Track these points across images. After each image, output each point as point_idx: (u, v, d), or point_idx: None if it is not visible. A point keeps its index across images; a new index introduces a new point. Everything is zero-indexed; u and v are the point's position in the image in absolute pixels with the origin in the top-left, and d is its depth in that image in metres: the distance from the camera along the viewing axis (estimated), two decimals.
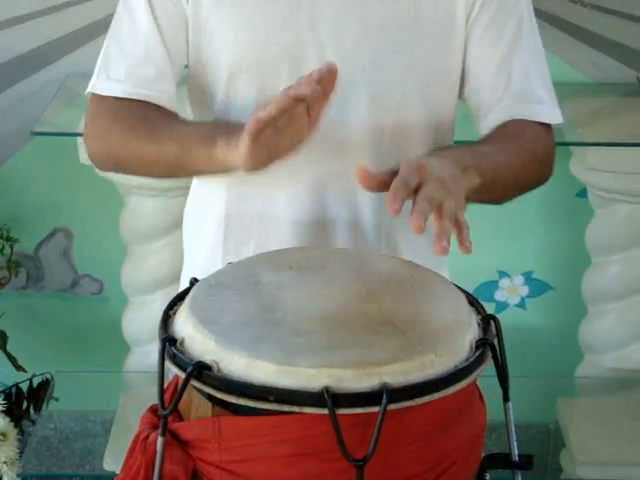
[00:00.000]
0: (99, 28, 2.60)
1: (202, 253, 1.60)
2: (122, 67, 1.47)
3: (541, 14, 2.68)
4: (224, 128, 1.37)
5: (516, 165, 1.43)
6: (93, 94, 1.50)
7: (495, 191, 1.40)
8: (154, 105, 1.47)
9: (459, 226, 1.19)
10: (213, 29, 1.46)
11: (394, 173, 1.21)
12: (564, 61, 2.74)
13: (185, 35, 1.48)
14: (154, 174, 1.50)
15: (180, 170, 1.43)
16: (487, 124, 1.50)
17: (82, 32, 2.63)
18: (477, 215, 2.76)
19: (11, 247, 2.66)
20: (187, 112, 1.58)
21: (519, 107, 1.48)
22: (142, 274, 2.71)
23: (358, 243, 1.52)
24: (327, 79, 1.24)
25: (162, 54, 1.47)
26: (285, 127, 1.27)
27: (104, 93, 1.48)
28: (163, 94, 1.48)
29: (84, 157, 2.44)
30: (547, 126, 1.51)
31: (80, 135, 2.37)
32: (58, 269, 2.91)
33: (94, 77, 1.50)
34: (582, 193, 2.79)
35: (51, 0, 2.64)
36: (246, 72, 1.46)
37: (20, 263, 2.76)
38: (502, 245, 2.88)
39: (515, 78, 1.49)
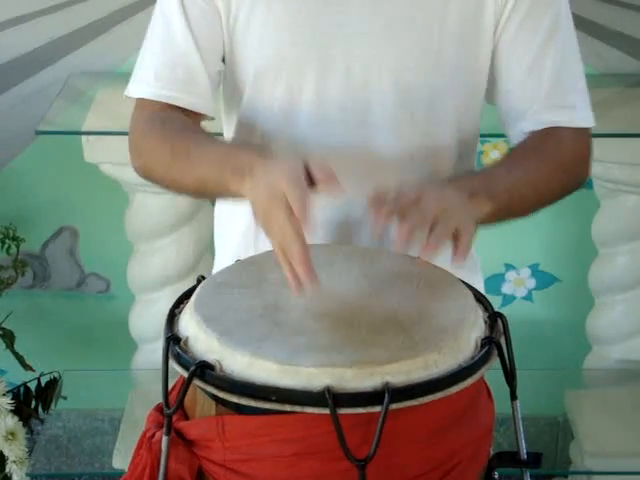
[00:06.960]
0: (102, 26, 2.60)
1: (233, 250, 1.56)
2: (151, 69, 1.46)
3: None
4: (234, 154, 1.33)
5: (535, 180, 1.39)
6: (131, 98, 1.49)
7: (514, 209, 1.38)
8: (187, 118, 1.44)
9: (458, 239, 1.21)
10: (243, 28, 1.44)
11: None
12: None
13: (221, 35, 1.46)
14: (183, 194, 1.47)
15: (205, 195, 1.44)
16: (518, 132, 1.47)
17: (85, 30, 2.61)
18: None
19: (17, 246, 2.65)
20: None
21: (550, 114, 1.44)
22: (148, 272, 2.70)
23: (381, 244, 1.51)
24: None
25: (194, 56, 1.44)
26: None
27: (132, 95, 1.47)
28: (196, 97, 1.46)
29: (89, 155, 2.47)
30: (579, 129, 1.47)
31: (84, 133, 2.41)
32: (64, 268, 2.90)
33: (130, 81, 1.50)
34: (588, 184, 2.77)
35: None
36: (272, 72, 1.45)
37: (26, 262, 2.75)
38: (508, 238, 2.87)
39: (547, 80, 1.44)
